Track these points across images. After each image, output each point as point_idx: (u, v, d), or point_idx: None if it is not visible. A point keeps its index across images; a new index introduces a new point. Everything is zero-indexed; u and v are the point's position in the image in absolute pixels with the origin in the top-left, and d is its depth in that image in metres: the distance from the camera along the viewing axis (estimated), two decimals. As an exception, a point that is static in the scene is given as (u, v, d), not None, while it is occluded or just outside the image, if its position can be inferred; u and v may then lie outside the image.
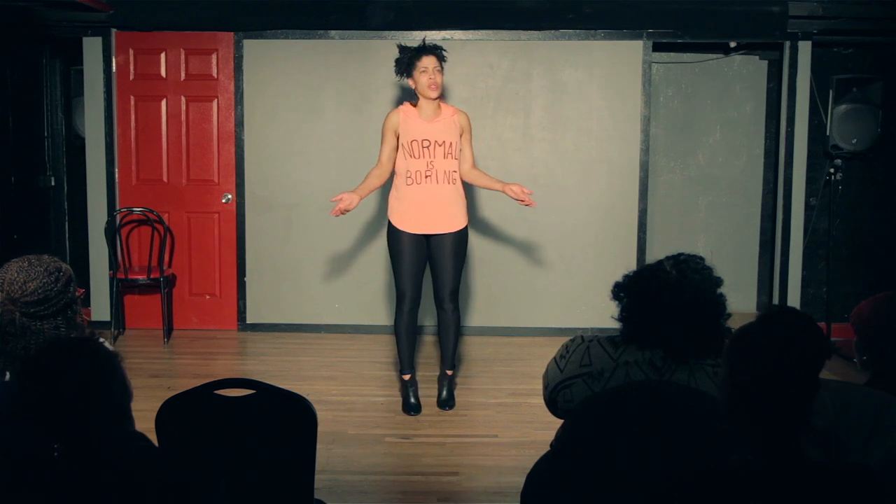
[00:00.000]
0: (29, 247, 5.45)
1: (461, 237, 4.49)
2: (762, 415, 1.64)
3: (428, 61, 4.36)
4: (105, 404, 1.73)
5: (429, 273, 4.56)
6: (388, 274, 6.08)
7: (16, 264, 2.18)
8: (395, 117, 4.45)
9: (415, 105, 4.46)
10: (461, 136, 4.49)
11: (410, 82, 4.44)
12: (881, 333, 2.33)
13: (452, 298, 4.51)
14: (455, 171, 4.44)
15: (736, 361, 1.68)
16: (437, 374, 4.80)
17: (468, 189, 4.62)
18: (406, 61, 4.41)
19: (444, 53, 4.47)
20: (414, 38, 5.83)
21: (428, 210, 4.39)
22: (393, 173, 4.49)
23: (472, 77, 6.05)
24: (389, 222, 4.49)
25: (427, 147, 4.37)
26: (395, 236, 4.46)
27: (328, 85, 6.11)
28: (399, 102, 5.94)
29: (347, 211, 4.35)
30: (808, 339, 1.64)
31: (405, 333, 4.52)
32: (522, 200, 4.46)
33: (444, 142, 4.39)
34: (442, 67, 4.43)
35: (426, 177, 4.38)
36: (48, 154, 6.49)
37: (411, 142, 4.38)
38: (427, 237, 4.46)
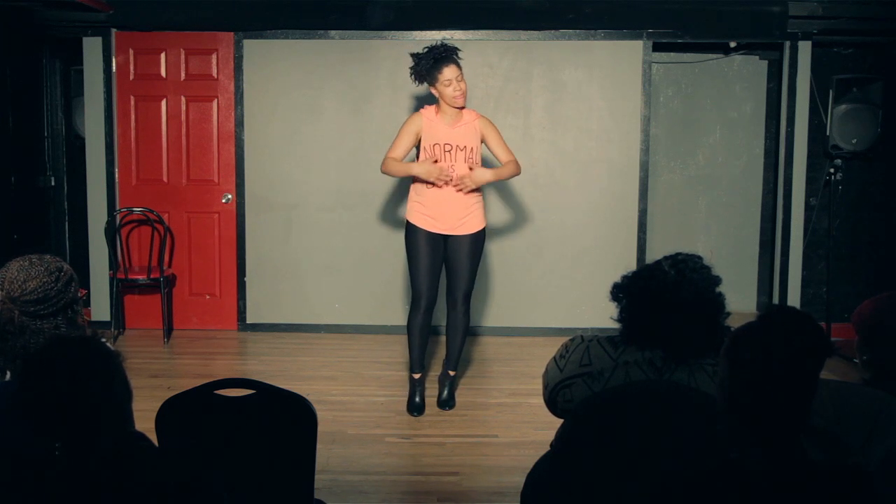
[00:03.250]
0: (29, 247, 5.44)
1: (479, 239, 4.49)
2: (761, 414, 1.64)
3: (450, 72, 4.29)
4: (106, 404, 1.73)
5: (443, 274, 4.56)
6: (389, 274, 6.09)
7: (17, 263, 2.18)
8: (417, 120, 4.42)
9: (436, 109, 4.43)
10: (483, 141, 4.46)
11: (433, 91, 4.38)
12: (882, 333, 2.33)
13: (466, 300, 4.52)
14: None
15: (735, 361, 1.68)
16: (438, 373, 4.79)
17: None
18: (425, 71, 4.33)
19: (460, 54, 4.40)
20: (414, 38, 5.86)
21: (448, 211, 4.39)
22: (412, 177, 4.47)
23: (472, 77, 6.02)
24: (408, 222, 4.47)
25: (449, 151, 4.37)
26: (413, 235, 4.44)
27: (328, 85, 6.11)
28: (399, 104, 5.96)
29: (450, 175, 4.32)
30: (809, 338, 1.64)
31: (419, 334, 4.49)
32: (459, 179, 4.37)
33: (465, 146, 4.38)
34: (462, 71, 4.36)
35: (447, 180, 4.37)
36: (48, 154, 6.49)
37: (433, 145, 4.37)
38: (445, 238, 4.45)
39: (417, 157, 4.49)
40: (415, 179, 4.44)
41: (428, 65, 4.32)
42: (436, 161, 4.35)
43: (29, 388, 1.70)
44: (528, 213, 6.13)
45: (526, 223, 6.13)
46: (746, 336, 1.68)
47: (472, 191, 4.41)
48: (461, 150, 4.38)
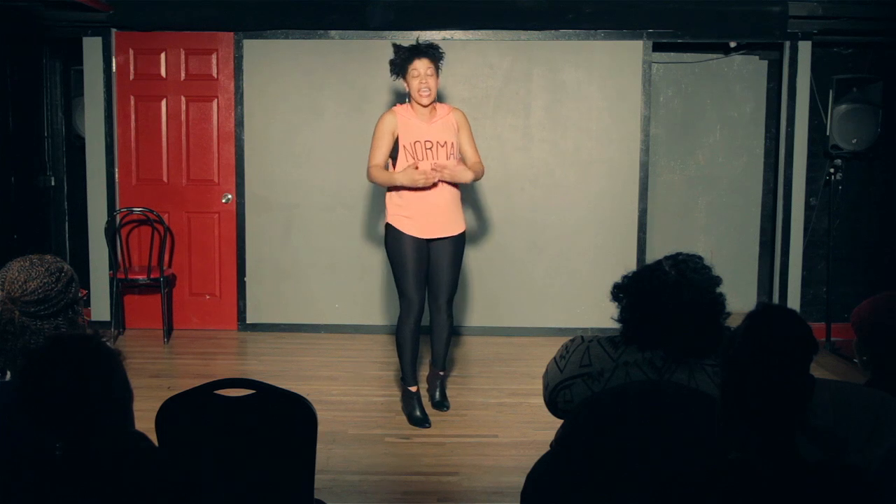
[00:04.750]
0: (29, 247, 5.45)
1: (461, 241, 4.43)
2: (758, 414, 1.64)
3: (420, 65, 4.21)
4: (106, 403, 1.73)
5: None
6: (388, 274, 6.07)
7: (17, 263, 2.17)
8: (391, 119, 4.31)
9: (409, 106, 4.34)
10: (458, 134, 4.38)
11: (405, 84, 4.31)
12: (881, 333, 2.33)
13: (450, 304, 4.45)
14: None
15: (728, 361, 1.69)
16: (427, 373, 4.72)
17: (468, 189, 4.58)
18: (399, 63, 4.27)
19: (440, 52, 4.31)
20: (414, 38, 5.83)
21: (433, 213, 4.30)
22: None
23: (472, 77, 6.05)
24: (390, 226, 4.36)
25: (430, 148, 4.27)
26: (397, 241, 4.33)
27: (328, 85, 6.11)
28: (400, 103, 5.95)
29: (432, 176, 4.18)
30: (792, 334, 1.65)
31: (411, 344, 4.38)
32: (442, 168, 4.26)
33: (445, 142, 4.29)
34: (437, 69, 4.28)
35: None
36: (48, 154, 6.49)
37: (414, 143, 4.26)
38: (428, 241, 4.37)
39: (397, 155, 4.35)
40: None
41: (403, 55, 4.25)
42: (416, 166, 4.23)
43: (29, 386, 1.71)
44: (528, 212, 6.13)
45: (526, 223, 6.12)
46: (735, 336, 1.70)
47: (452, 186, 4.30)
48: (442, 147, 4.28)
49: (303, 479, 2.42)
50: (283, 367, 5.39)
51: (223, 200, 6.22)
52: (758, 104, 6.74)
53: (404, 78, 4.29)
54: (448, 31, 5.97)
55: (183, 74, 6.16)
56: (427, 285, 4.43)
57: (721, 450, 1.74)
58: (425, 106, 4.30)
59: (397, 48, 4.33)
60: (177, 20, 6.04)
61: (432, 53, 4.28)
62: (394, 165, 4.35)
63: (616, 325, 2.28)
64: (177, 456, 2.24)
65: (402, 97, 5.93)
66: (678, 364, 2.16)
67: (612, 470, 2.01)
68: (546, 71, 6.08)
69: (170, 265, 6.22)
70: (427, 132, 4.30)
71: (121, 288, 6.10)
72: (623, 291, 2.25)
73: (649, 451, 1.97)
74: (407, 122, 4.30)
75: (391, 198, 4.38)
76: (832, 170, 6.07)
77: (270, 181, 6.17)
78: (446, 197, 4.32)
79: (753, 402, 1.64)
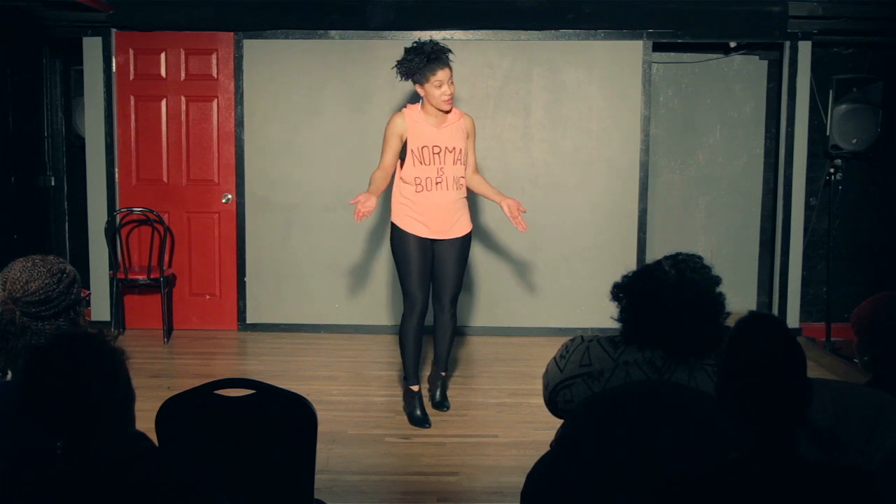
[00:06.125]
0: (29, 247, 5.46)
1: (467, 242, 4.44)
2: (752, 417, 1.65)
3: (443, 75, 4.17)
4: (108, 402, 1.73)
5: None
6: (389, 274, 6.09)
7: (20, 263, 2.17)
8: (400, 122, 4.28)
9: (420, 108, 4.31)
10: (466, 139, 4.39)
11: (420, 90, 4.24)
12: (881, 334, 2.33)
13: (453, 304, 4.46)
14: (462, 177, 4.36)
15: (719, 368, 1.71)
16: (429, 373, 4.73)
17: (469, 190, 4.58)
18: (416, 69, 4.18)
19: (451, 55, 4.28)
20: (414, 38, 5.84)
21: (438, 215, 4.30)
22: (393, 176, 4.41)
23: (472, 77, 6.05)
24: (395, 226, 4.35)
25: (437, 153, 4.27)
26: (402, 240, 4.33)
27: (328, 85, 6.11)
28: (399, 104, 5.95)
29: (369, 214, 4.06)
30: (774, 342, 1.66)
31: (414, 343, 4.38)
32: (515, 217, 4.36)
33: (453, 148, 4.29)
34: (452, 74, 4.25)
35: (437, 183, 4.27)
36: (48, 154, 6.49)
37: (421, 148, 4.25)
38: (432, 241, 4.37)
39: (404, 158, 4.32)
40: (399, 184, 4.33)
41: (421, 63, 4.17)
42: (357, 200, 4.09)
43: (31, 385, 1.70)
44: (527, 213, 6.09)
45: (526, 223, 6.11)
46: (725, 344, 1.71)
47: (457, 188, 4.33)
48: (450, 152, 4.28)
49: (303, 479, 2.42)
50: (283, 367, 5.39)
51: (223, 200, 6.22)
52: (758, 104, 6.74)
53: (419, 84, 4.23)
54: (448, 31, 5.97)
55: (183, 74, 6.16)
56: (431, 284, 4.45)
57: (721, 450, 1.74)
58: (446, 112, 4.29)
59: (410, 52, 4.22)
60: (177, 20, 6.04)
61: (449, 61, 4.24)
62: (402, 167, 4.35)
63: (616, 325, 2.28)
64: (177, 456, 2.23)
65: (402, 97, 5.93)
66: (678, 364, 2.16)
67: (613, 470, 2.01)
68: (546, 71, 6.08)
69: (170, 265, 6.22)
70: (436, 137, 4.28)
71: (121, 288, 6.10)
72: (623, 291, 2.25)
73: (649, 451, 1.97)
74: (416, 126, 4.28)
75: (397, 197, 4.38)
76: (832, 170, 6.07)
77: (270, 181, 6.17)
78: (452, 198, 4.32)
79: (748, 406, 1.64)
